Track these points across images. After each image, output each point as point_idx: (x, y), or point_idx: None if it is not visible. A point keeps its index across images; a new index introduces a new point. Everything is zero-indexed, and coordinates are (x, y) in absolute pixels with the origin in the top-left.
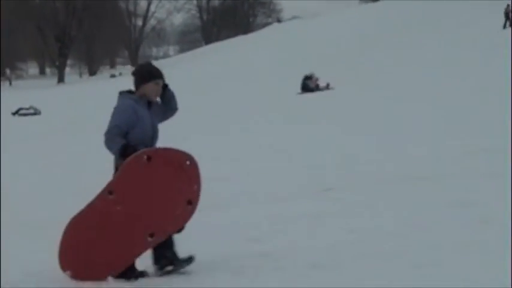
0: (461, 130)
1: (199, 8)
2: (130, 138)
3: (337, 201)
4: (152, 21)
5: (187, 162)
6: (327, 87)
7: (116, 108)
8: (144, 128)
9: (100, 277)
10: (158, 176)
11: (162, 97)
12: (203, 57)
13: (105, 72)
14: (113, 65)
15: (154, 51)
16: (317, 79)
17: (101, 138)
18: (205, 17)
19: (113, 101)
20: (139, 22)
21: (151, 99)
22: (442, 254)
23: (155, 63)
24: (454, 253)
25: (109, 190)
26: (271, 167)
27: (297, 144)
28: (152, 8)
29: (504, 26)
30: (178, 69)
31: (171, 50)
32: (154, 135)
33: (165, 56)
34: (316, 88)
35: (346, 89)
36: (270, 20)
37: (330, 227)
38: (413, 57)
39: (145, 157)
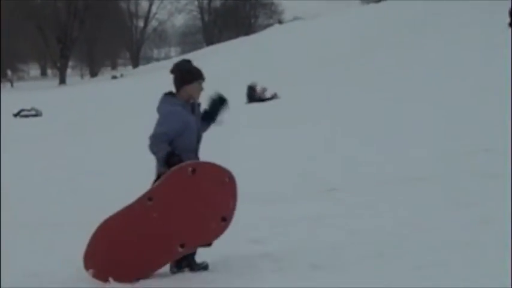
0: (461, 130)
1: (201, 9)
2: (177, 144)
3: (337, 203)
4: (153, 23)
5: (227, 179)
6: (274, 97)
7: (165, 115)
8: (191, 134)
9: (122, 280)
10: (199, 189)
11: (209, 116)
12: (204, 58)
13: (106, 74)
14: (114, 67)
15: (155, 52)
16: (265, 89)
17: (101, 140)
18: (206, 18)
19: (114, 102)
20: (141, 23)
21: (195, 99)
22: (442, 254)
23: (156, 64)
24: (454, 254)
25: (149, 196)
26: (271, 168)
27: (297, 145)
28: (153, 9)
29: (510, 24)
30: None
31: (173, 51)
32: (199, 140)
33: (167, 57)
34: (265, 98)
35: (346, 89)
36: (271, 21)
37: (330, 228)
38: (414, 58)
39: (190, 169)
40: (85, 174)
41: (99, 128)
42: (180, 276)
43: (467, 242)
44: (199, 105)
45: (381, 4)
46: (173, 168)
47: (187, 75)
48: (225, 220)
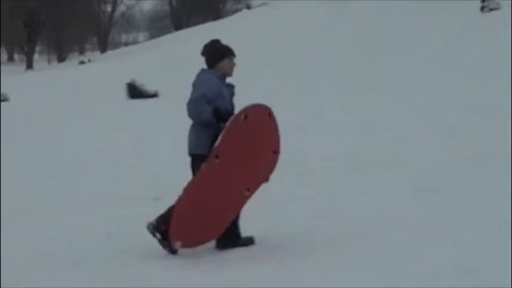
0: (432, 116)
1: None
2: None
3: (306, 187)
4: (121, 7)
5: (270, 115)
6: (155, 95)
7: (201, 81)
8: (225, 103)
9: (205, 242)
10: (252, 132)
11: None
12: (172, 43)
13: (74, 59)
14: (82, 52)
15: (123, 37)
16: (142, 84)
17: (70, 125)
18: (174, 3)
19: (82, 87)
20: (109, 8)
21: (229, 74)
22: (411, 239)
23: (124, 49)
24: (424, 238)
25: (216, 155)
26: None
27: None
28: None
29: (482, 9)
30: (148, 56)
31: (141, 36)
32: (232, 112)
33: (135, 42)
34: (142, 95)
35: (315, 76)
36: (239, 6)
37: (300, 212)
38: (385, 45)
39: (242, 117)
40: (56, 160)
41: (67, 113)
42: (143, 266)
43: (437, 226)
44: (233, 86)
45: None
46: (229, 122)
47: (216, 54)
48: (276, 152)
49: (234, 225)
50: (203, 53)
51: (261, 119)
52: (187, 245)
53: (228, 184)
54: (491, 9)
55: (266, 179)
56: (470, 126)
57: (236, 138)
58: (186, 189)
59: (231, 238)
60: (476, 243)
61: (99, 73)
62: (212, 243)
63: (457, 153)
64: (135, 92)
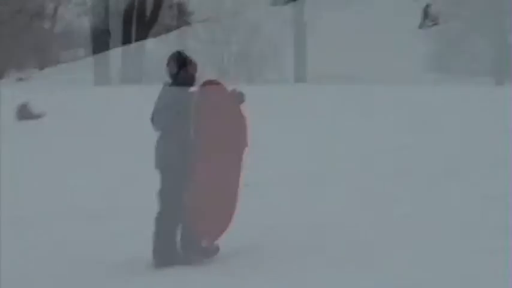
0: (370, 130)
1: (106, 10)
2: None
3: (254, 199)
4: (60, 23)
5: (216, 84)
6: (40, 116)
7: (162, 94)
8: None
9: (227, 226)
10: (215, 110)
11: None
12: (113, 60)
13: (12, 76)
14: (20, 68)
15: (63, 54)
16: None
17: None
18: (114, 20)
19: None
20: (47, 25)
21: (189, 84)
22: (360, 250)
23: (63, 66)
24: (373, 249)
25: (195, 145)
26: None
27: None
28: (60, 10)
29: (421, 26)
30: (87, 72)
31: (81, 52)
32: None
33: (74, 58)
34: (31, 116)
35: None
36: (181, 22)
37: (248, 225)
38: (325, 62)
39: (200, 103)
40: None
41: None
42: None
43: (384, 237)
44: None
45: (287, 7)
46: (193, 113)
47: (175, 65)
48: (241, 101)
49: (173, 242)
50: (167, 65)
51: (213, 94)
52: (213, 237)
53: (219, 164)
54: (428, 26)
55: (246, 144)
56: (416, 140)
57: (206, 124)
58: (187, 191)
59: (168, 254)
60: (422, 258)
61: (37, 90)
62: (145, 263)
63: (400, 166)
64: (24, 113)
